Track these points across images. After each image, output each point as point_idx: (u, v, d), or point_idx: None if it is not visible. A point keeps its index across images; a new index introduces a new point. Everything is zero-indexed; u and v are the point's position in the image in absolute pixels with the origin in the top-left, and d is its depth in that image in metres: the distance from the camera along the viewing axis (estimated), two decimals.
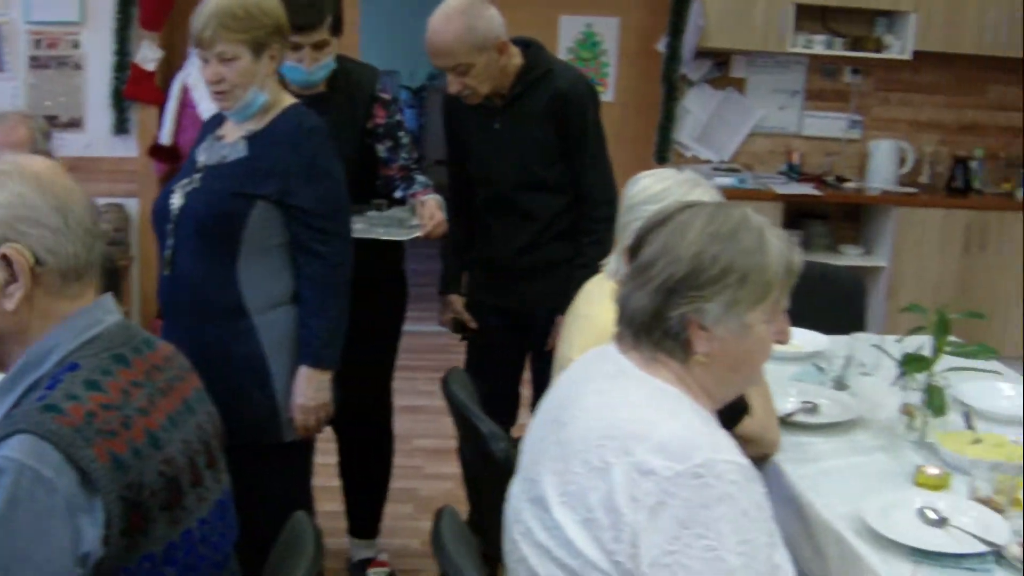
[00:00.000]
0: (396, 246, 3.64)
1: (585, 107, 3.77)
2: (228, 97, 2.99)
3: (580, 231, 3.76)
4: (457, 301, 4.03)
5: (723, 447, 1.87)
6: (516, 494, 2.08)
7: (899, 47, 6.86)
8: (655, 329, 1.96)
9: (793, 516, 2.62)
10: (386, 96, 3.70)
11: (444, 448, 4.81)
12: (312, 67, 3.50)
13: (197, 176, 3.03)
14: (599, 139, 3.79)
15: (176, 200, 3.01)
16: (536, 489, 1.98)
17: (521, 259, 3.81)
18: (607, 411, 1.94)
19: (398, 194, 3.69)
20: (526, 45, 3.75)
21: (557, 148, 3.73)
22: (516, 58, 3.69)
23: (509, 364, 4.00)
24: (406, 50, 8.48)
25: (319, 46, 3.48)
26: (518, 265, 3.82)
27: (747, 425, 2.66)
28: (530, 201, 3.78)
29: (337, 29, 3.57)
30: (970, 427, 2.99)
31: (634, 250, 2.05)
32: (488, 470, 2.73)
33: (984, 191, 7.17)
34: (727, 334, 1.95)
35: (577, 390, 2.05)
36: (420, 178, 3.72)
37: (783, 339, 2.08)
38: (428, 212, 3.55)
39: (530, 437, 2.13)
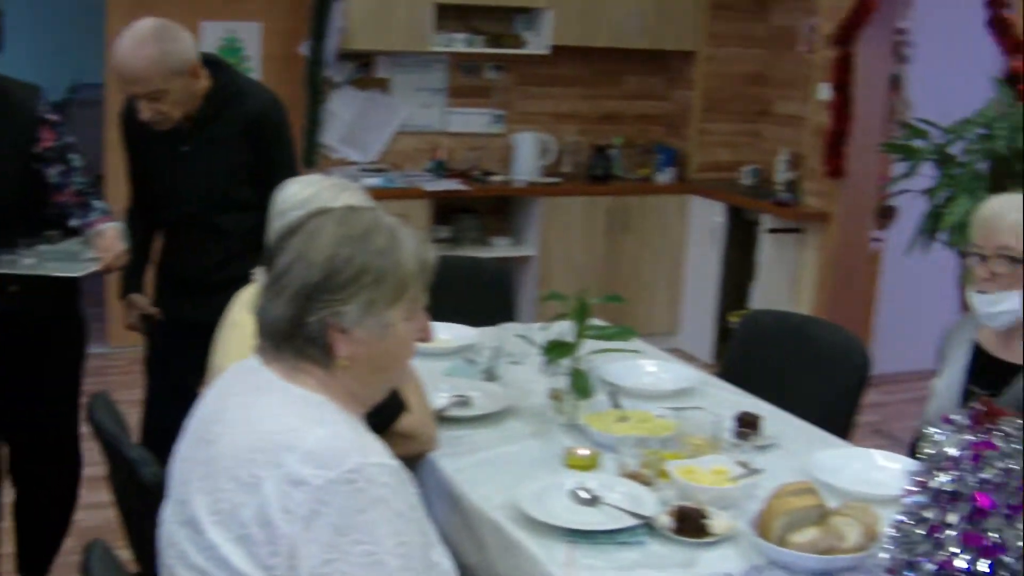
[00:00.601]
0: (71, 283, 3.42)
1: (280, 128, 3.69)
2: None
3: None
4: (140, 299, 3.84)
5: (372, 451, 1.86)
6: (168, 518, 2.01)
7: (537, 43, 7.05)
8: (295, 337, 1.94)
9: (452, 510, 2.64)
10: (53, 117, 3.43)
11: (99, 476, 4.62)
12: None
13: None
14: (292, 156, 3.73)
15: None
16: (187, 511, 1.92)
17: (213, 275, 3.66)
18: (253, 425, 1.90)
19: (73, 222, 3.46)
20: (214, 65, 3.62)
21: (250, 169, 3.62)
22: (205, 80, 3.56)
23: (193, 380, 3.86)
24: (43, 62, 8.15)
25: None
26: (210, 280, 3.67)
27: (405, 421, 2.66)
28: (221, 220, 3.64)
29: None
30: (616, 406, 3.10)
31: (270, 260, 2.02)
32: (139, 496, 2.64)
33: (624, 177, 7.46)
34: (367, 335, 1.94)
35: (222, 405, 2.00)
36: (98, 204, 3.46)
37: (425, 337, 2.09)
38: (105, 244, 3.33)
39: (178, 457, 2.06)
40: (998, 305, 2.88)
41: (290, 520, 1.77)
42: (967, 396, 2.98)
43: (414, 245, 2.01)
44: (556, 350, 2.97)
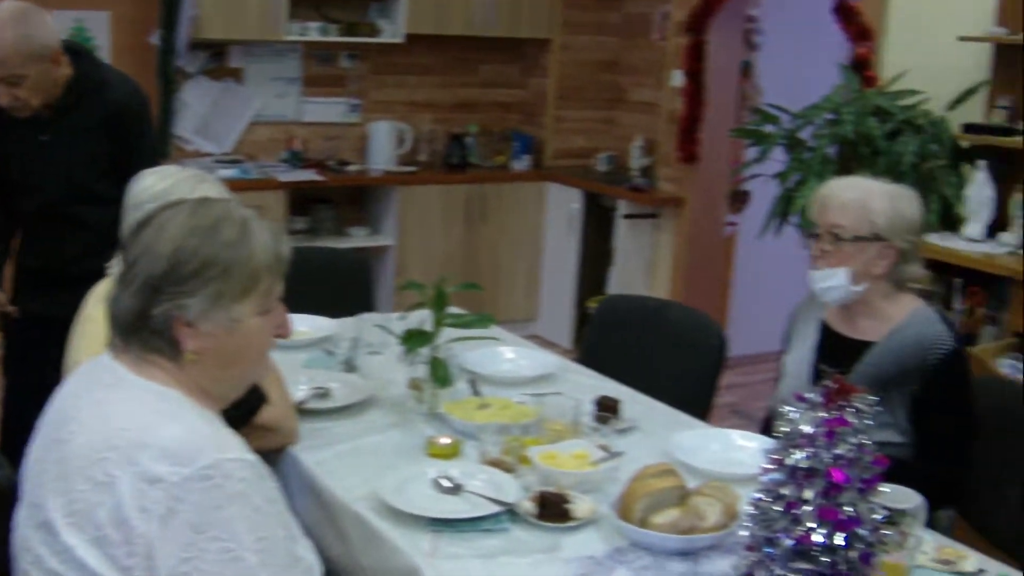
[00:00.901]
0: None
1: (143, 119, 3.65)
2: None
3: None
4: None
5: (229, 446, 1.83)
6: (22, 522, 1.95)
7: (392, 31, 7.00)
8: (142, 330, 1.89)
9: (314, 503, 2.61)
10: None
11: None
12: None
13: None
14: (153, 148, 3.65)
15: None
16: (42, 514, 1.86)
17: (71, 269, 3.56)
18: (106, 422, 1.85)
19: None
20: (75, 53, 3.52)
21: (111, 159, 3.55)
22: (66, 68, 3.46)
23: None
24: None
25: None
26: (68, 274, 3.56)
27: (266, 414, 2.62)
28: (81, 212, 3.57)
29: None
30: (476, 393, 3.09)
31: (124, 252, 1.97)
32: None
33: (480, 165, 7.47)
34: (215, 329, 1.90)
35: (75, 404, 1.95)
36: None
37: (283, 333, 2.05)
38: None
39: (30, 459, 2.00)
40: (827, 281, 2.99)
41: (146, 519, 1.73)
42: (816, 374, 3.05)
43: (267, 238, 1.98)
44: (414, 339, 2.95)
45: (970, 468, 2.95)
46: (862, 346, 2.99)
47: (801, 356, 3.16)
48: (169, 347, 1.90)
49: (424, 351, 2.97)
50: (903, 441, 2.92)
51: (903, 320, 2.98)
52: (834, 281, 2.97)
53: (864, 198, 2.97)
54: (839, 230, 2.95)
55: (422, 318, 3.03)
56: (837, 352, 3.06)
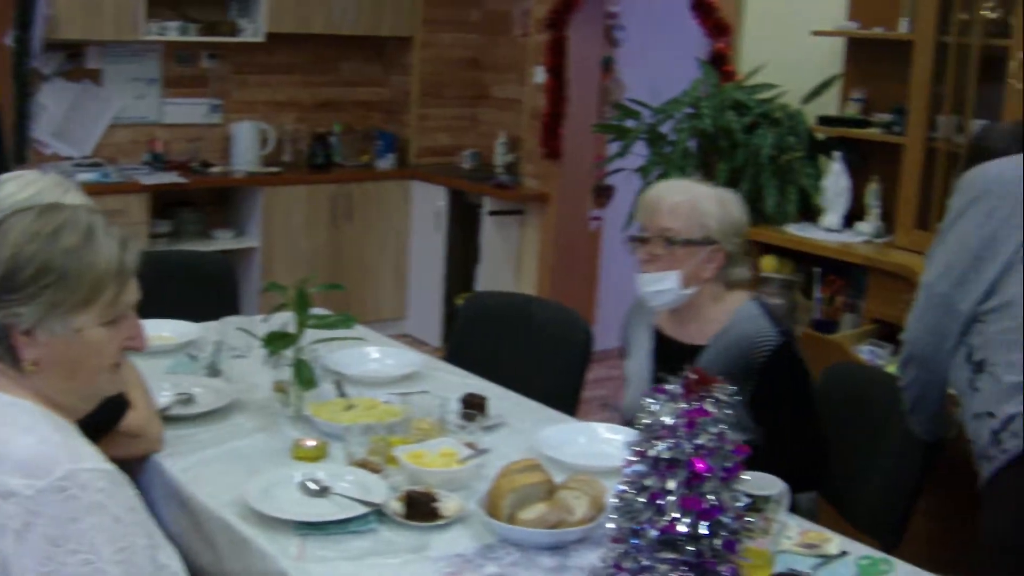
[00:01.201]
0: None
1: None
2: None
3: None
4: None
5: (85, 456, 1.79)
6: None
7: (252, 30, 6.92)
8: None
9: (180, 511, 2.57)
10: None
11: None
12: None
13: None
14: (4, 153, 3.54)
15: None
16: None
17: None
18: None
19: None
20: None
21: None
22: None
23: None
24: None
25: None
26: None
27: (131, 420, 2.58)
28: None
29: None
30: (342, 394, 3.07)
31: None
32: None
33: (345, 164, 7.42)
34: (52, 339, 1.84)
35: None
36: None
37: (136, 346, 1.99)
38: None
39: None
40: (658, 284, 2.98)
41: (2, 535, 1.69)
42: (657, 381, 3.07)
43: (113, 246, 1.90)
44: (277, 341, 2.92)
45: (824, 451, 2.99)
46: (694, 350, 2.98)
47: (640, 363, 3.17)
48: (9, 356, 1.85)
49: (288, 353, 2.94)
50: (750, 439, 2.95)
51: (728, 322, 2.99)
52: (665, 285, 2.96)
53: (695, 201, 2.97)
54: (670, 233, 2.94)
55: (285, 320, 3.00)
56: (671, 358, 3.01)
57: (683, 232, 2.94)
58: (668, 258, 2.95)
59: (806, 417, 2.98)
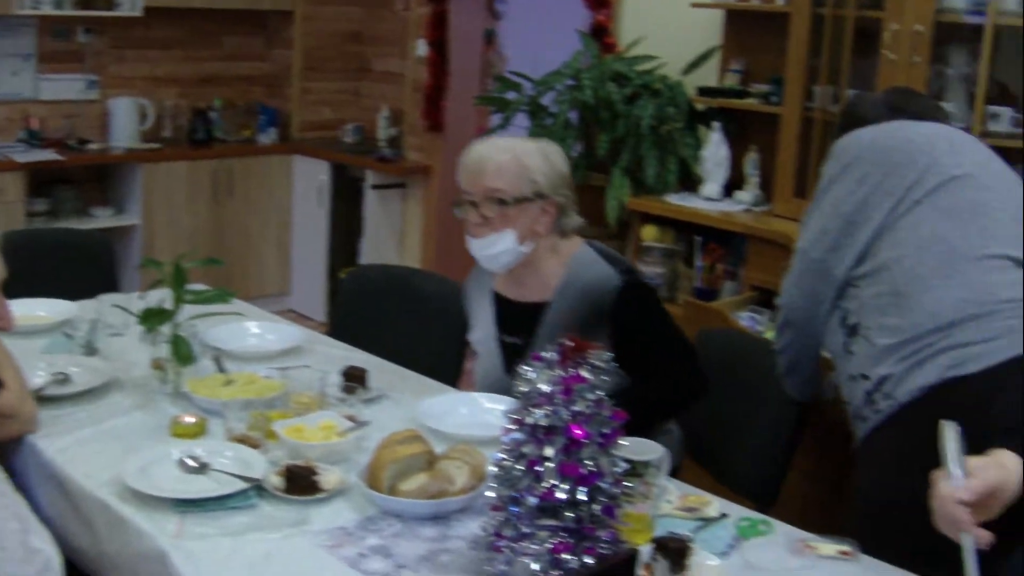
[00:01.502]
0: None
1: None
2: None
3: None
4: None
5: None
6: None
7: (130, 4, 6.78)
8: None
9: (57, 493, 2.52)
10: None
11: None
12: None
13: None
14: None
15: None
16: None
17: None
18: None
19: None
20: None
21: None
22: None
23: None
24: None
25: None
26: None
27: (2, 401, 2.53)
28: None
29: None
30: (221, 370, 3.04)
31: None
32: None
33: (226, 140, 7.34)
34: None
35: None
36: None
37: (3, 326, 1.96)
38: None
39: None
40: (494, 247, 2.95)
41: None
42: (504, 346, 3.09)
43: None
44: (153, 318, 2.88)
45: (703, 378, 3.02)
46: (538, 308, 2.98)
47: (486, 333, 3.15)
48: None
49: (165, 330, 2.90)
50: (616, 383, 2.96)
51: (568, 273, 2.99)
52: (501, 246, 2.94)
53: (519, 158, 2.94)
54: (500, 194, 2.91)
55: (162, 297, 2.96)
56: (516, 320, 3.06)
57: (513, 190, 2.91)
58: (501, 218, 2.92)
59: (671, 340, 3.00)
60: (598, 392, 1.98)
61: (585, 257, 3.01)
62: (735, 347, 3.38)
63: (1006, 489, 1.84)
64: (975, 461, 1.83)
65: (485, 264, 3.03)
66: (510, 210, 2.91)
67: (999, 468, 1.85)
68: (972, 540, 1.75)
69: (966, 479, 1.80)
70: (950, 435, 1.83)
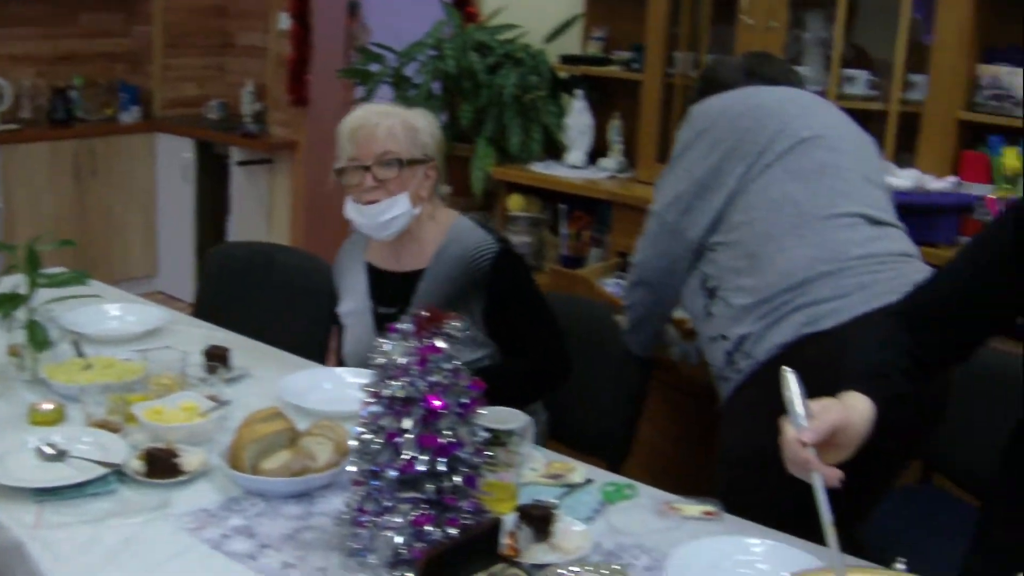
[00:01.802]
0: None
1: None
2: None
3: None
4: None
5: None
6: None
7: None
8: None
9: None
10: None
11: None
12: None
13: None
14: None
15: None
16: None
17: None
18: None
19: None
20: None
21: None
22: None
23: None
24: None
25: None
26: None
27: None
28: None
29: None
30: (80, 354, 2.98)
31: None
32: None
33: (87, 119, 7.19)
34: None
35: None
36: None
37: None
38: None
39: None
40: (390, 211, 2.93)
41: None
42: (378, 317, 3.08)
43: None
44: (6, 303, 2.81)
45: (568, 362, 3.04)
46: (413, 277, 2.99)
47: (358, 303, 3.13)
48: None
49: (20, 315, 2.84)
50: (487, 354, 2.98)
51: (444, 239, 3.00)
52: (397, 209, 2.92)
53: (407, 121, 2.95)
54: (395, 155, 2.91)
55: (17, 282, 2.89)
56: (391, 290, 3.05)
57: (405, 153, 2.92)
58: (396, 181, 2.91)
59: (542, 318, 3.03)
60: (455, 362, 1.99)
61: (464, 224, 3.03)
62: (602, 313, 3.41)
63: (850, 427, 1.87)
64: (818, 404, 1.87)
65: (376, 233, 2.98)
66: (404, 172, 2.91)
67: (842, 408, 1.88)
68: (821, 479, 1.79)
69: (809, 421, 1.83)
70: (791, 381, 1.86)
